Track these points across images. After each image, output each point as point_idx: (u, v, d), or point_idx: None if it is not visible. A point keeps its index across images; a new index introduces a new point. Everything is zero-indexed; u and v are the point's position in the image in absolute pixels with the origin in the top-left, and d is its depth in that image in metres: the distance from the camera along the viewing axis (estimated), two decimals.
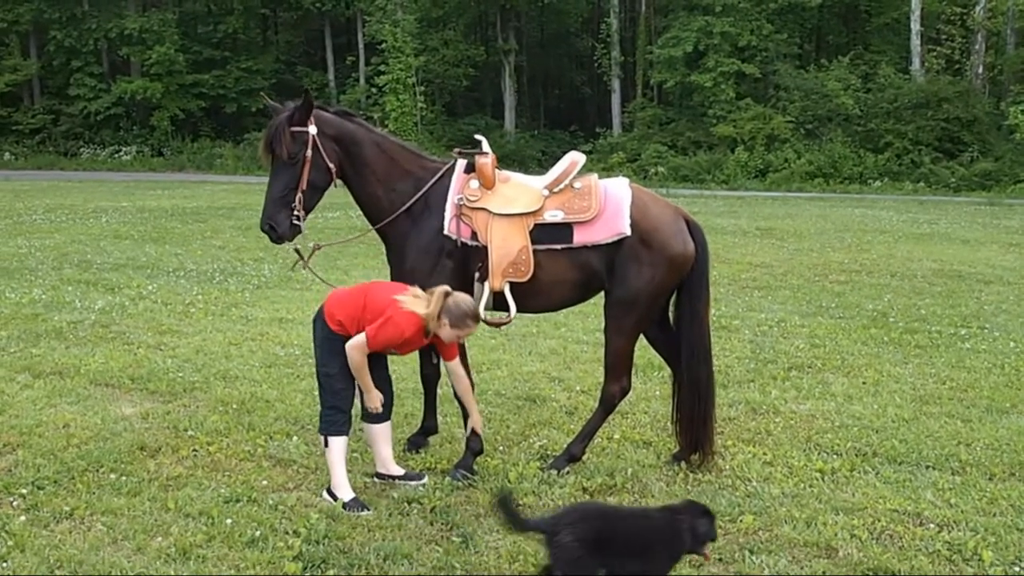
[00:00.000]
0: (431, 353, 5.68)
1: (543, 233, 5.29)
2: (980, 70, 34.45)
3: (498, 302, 5.38)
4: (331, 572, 4.23)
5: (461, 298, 4.96)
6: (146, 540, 4.52)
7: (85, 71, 40.80)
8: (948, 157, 31.88)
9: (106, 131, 41.02)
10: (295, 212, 5.25)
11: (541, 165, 31.49)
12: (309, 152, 5.23)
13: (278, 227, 5.26)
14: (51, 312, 9.60)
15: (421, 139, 35.66)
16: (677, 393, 5.66)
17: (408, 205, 5.42)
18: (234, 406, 6.60)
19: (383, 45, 37.30)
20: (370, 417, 5.17)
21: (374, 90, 38.68)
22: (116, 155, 39.65)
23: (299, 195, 5.25)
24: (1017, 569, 4.34)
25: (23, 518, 4.73)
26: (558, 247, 5.28)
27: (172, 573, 4.20)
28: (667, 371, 7.61)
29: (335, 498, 4.99)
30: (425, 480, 5.29)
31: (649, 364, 7.64)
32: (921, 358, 8.32)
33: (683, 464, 5.55)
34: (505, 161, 30.07)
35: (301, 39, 47.65)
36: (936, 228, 19.12)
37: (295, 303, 10.24)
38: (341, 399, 5.04)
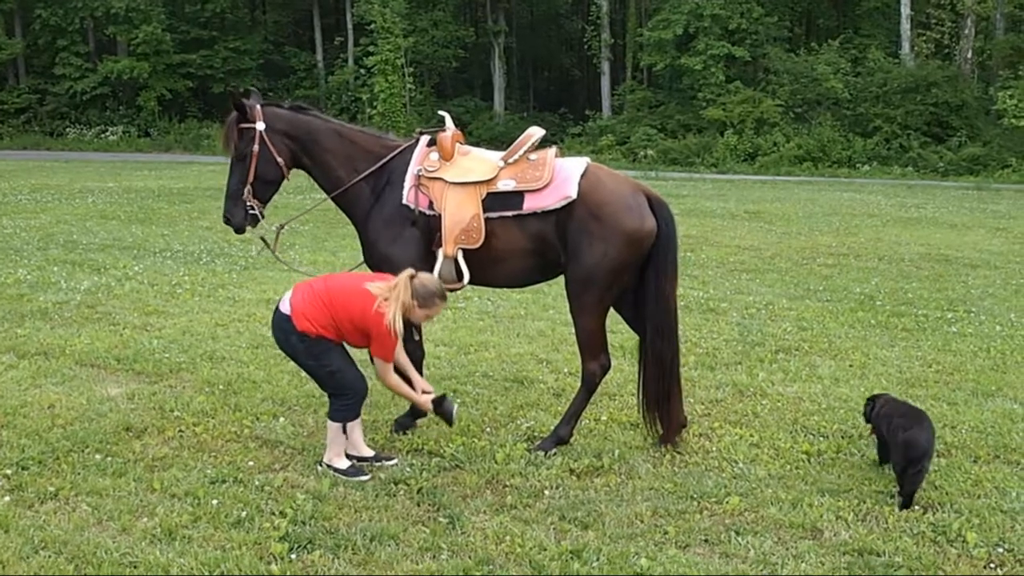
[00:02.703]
0: (411, 330, 5.74)
1: (495, 201, 5.42)
2: (969, 55, 34.44)
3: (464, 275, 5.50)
4: (317, 553, 4.22)
5: (427, 279, 5.08)
6: (131, 521, 4.50)
7: (71, 50, 40.36)
8: (936, 142, 31.93)
9: (92, 111, 40.65)
10: (248, 204, 5.59)
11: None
12: (256, 147, 5.50)
13: (233, 219, 5.65)
14: (36, 292, 9.54)
15: (410, 120, 35.52)
16: (643, 370, 5.68)
17: (367, 173, 5.62)
18: (220, 387, 6.58)
19: (372, 26, 37.07)
20: (340, 414, 5.19)
21: (363, 71, 38.47)
22: (102, 135, 39.32)
23: (248, 188, 5.56)
24: (1000, 550, 4.37)
25: (7, 498, 4.71)
26: (509, 214, 5.39)
27: (157, 554, 4.18)
28: None
29: (335, 469, 5.10)
30: (395, 461, 5.29)
31: (637, 346, 7.64)
32: (908, 341, 8.36)
33: (669, 446, 5.56)
34: (494, 143, 30.01)
35: (289, 19, 47.29)
36: (924, 212, 19.17)
37: (282, 284, 10.18)
38: (355, 384, 5.12)
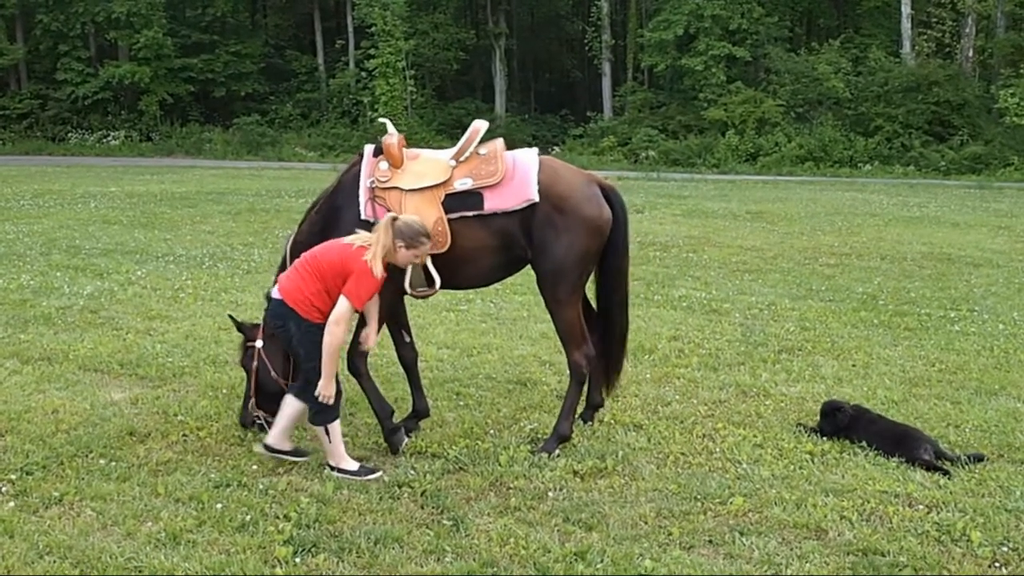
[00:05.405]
0: (402, 333, 5.87)
1: (455, 201, 5.42)
2: (970, 53, 34.45)
3: (432, 278, 5.49)
4: (321, 556, 4.23)
5: (410, 218, 5.11)
6: (136, 525, 4.51)
7: (72, 55, 40.42)
8: (938, 140, 31.94)
9: (94, 116, 40.68)
10: (255, 415, 5.61)
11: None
12: (255, 363, 5.56)
13: (244, 423, 5.70)
14: (40, 298, 9.54)
15: (411, 123, 35.55)
16: (601, 340, 5.89)
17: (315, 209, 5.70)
18: (224, 391, 6.58)
19: (373, 28, 37.14)
20: (320, 417, 5.12)
21: (364, 74, 38.55)
22: (104, 140, 39.36)
23: (252, 402, 5.59)
24: (1005, 549, 4.36)
25: (12, 504, 4.71)
26: (471, 214, 5.41)
27: (162, 558, 4.19)
28: (658, 354, 7.66)
29: (343, 471, 5.07)
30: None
31: (640, 347, 7.67)
32: (911, 340, 8.35)
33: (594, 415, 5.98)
34: None
35: (290, 23, 47.36)
36: (926, 211, 19.16)
37: None
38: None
